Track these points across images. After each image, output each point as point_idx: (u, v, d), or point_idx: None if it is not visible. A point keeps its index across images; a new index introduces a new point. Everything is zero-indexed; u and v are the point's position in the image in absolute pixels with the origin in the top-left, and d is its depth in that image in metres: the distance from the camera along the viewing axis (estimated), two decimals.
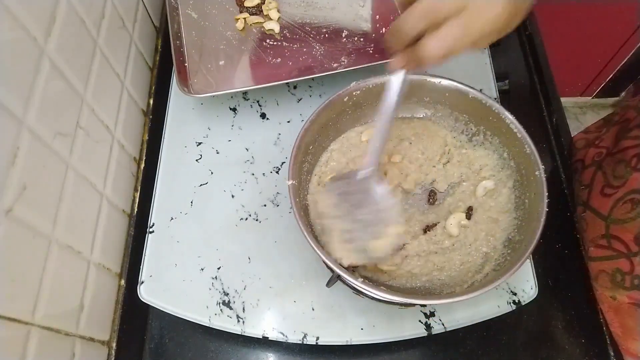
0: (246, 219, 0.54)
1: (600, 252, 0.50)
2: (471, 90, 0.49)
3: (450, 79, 0.49)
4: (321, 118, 0.49)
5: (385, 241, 0.41)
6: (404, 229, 0.45)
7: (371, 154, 0.42)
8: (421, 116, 0.55)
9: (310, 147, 0.50)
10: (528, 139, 0.45)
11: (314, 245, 0.41)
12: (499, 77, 0.64)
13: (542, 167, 0.44)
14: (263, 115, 0.61)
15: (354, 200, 0.43)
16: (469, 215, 0.49)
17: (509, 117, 0.47)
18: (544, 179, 0.44)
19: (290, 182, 0.44)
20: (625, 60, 1.30)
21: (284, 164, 0.58)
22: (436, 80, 0.50)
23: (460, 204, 0.51)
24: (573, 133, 0.66)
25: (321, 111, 0.48)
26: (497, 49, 0.68)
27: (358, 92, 0.50)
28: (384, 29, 0.64)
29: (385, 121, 0.41)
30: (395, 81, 0.39)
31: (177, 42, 0.61)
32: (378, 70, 0.50)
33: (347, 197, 0.43)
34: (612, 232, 0.48)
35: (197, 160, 0.58)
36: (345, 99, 0.50)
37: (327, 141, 0.53)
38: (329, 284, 0.48)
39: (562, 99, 0.66)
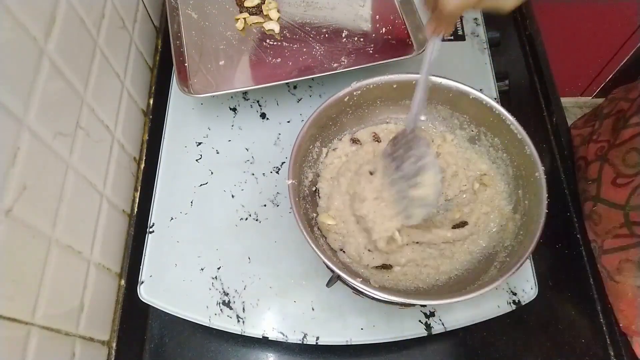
0: (246, 219, 0.54)
1: (620, 242, 0.50)
2: (472, 90, 0.49)
3: (451, 79, 0.49)
4: (321, 118, 0.49)
5: (426, 190, 0.43)
6: (441, 175, 0.46)
7: (410, 115, 0.44)
8: (422, 119, 0.55)
9: (310, 147, 0.50)
10: (528, 140, 0.45)
11: (313, 246, 0.41)
12: (499, 77, 0.64)
13: (542, 168, 0.44)
14: (263, 115, 0.61)
15: (397, 162, 0.45)
16: (462, 225, 0.49)
17: (509, 118, 0.47)
18: (544, 180, 0.44)
19: (290, 182, 0.44)
20: (625, 60, 1.30)
21: (284, 164, 0.58)
22: (437, 80, 0.50)
23: (460, 209, 0.51)
24: None
25: (321, 111, 0.48)
26: (497, 49, 0.68)
27: (358, 92, 0.50)
28: (384, 29, 0.64)
29: (423, 82, 0.42)
30: (430, 46, 0.41)
31: (177, 42, 0.61)
32: (378, 70, 0.50)
33: (391, 161, 0.45)
34: (634, 219, 0.48)
35: (197, 160, 0.58)
36: (345, 99, 0.50)
37: (327, 141, 0.53)
38: (329, 284, 0.48)
39: (562, 99, 0.66)
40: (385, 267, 0.47)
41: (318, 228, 0.50)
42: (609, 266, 0.52)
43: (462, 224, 0.49)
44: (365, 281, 0.40)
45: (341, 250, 0.49)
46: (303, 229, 0.41)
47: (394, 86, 0.51)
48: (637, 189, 0.48)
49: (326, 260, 0.40)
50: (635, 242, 0.48)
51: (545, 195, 0.43)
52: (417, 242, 0.48)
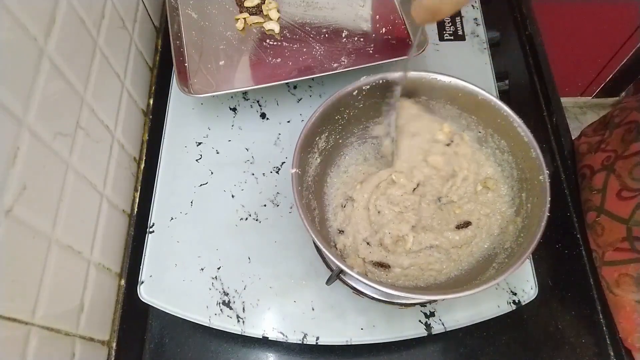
0: (246, 219, 0.54)
1: (620, 255, 0.50)
2: (481, 91, 0.48)
3: (460, 79, 0.49)
4: (329, 110, 0.48)
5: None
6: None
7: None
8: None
9: (317, 138, 0.50)
10: (534, 143, 0.45)
11: (314, 237, 0.40)
12: (499, 77, 0.64)
13: (546, 172, 0.44)
14: (263, 115, 0.61)
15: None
16: (465, 225, 0.49)
17: (516, 120, 0.47)
18: (548, 184, 0.43)
19: (294, 171, 0.44)
20: (625, 60, 1.30)
21: (284, 164, 0.58)
22: (446, 79, 0.49)
23: (462, 208, 0.51)
24: (573, 133, 0.66)
25: (329, 103, 0.48)
26: (497, 49, 0.68)
27: (367, 87, 0.49)
28: (384, 29, 0.64)
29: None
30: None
31: (177, 42, 0.61)
32: (378, 70, 0.50)
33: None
34: (636, 234, 0.48)
35: (197, 160, 0.58)
36: (354, 93, 0.50)
37: (335, 135, 0.53)
38: (329, 282, 0.48)
39: (562, 99, 0.66)
40: (383, 265, 0.47)
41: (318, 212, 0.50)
42: (608, 278, 0.52)
43: (466, 224, 0.49)
44: (363, 274, 0.40)
45: (340, 231, 0.49)
46: (304, 218, 0.41)
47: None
48: None
49: (328, 253, 0.40)
50: (635, 258, 0.48)
51: (548, 198, 0.42)
52: (427, 247, 0.48)
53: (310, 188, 0.49)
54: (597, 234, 0.54)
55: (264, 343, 0.52)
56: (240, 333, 0.49)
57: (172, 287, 0.51)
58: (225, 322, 0.49)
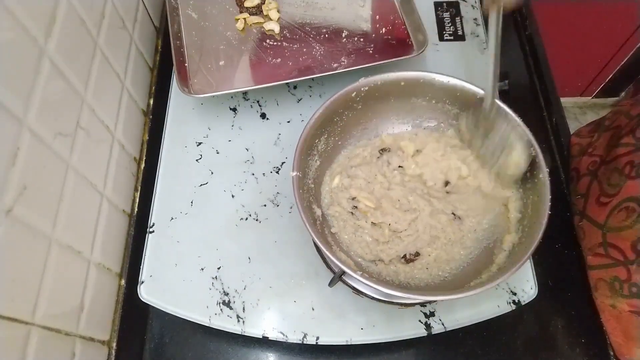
0: (246, 219, 0.54)
1: (598, 260, 0.50)
2: (480, 90, 0.48)
3: (458, 79, 0.49)
4: (328, 112, 0.49)
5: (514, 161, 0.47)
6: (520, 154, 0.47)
7: (487, 92, 0.47)
8: (432, 124, 0.55)
9: (317, 141, 0.50)
10: (533, 141, 0.45)
11: (315, 238, 0.40)
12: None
13: (546, 170, 0.44)
14: (263, 115, 0.61)
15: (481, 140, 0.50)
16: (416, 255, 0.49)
17: (516, 119, 0.47)
18: (548, 182, 0.43)
19: (294, 174, 0.44)
20: (625, 60, 1.30)
21: (284, 164, 0.58)
22: (444, 79, 0.49)
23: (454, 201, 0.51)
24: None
25: (328, 105, 0.48)
26: None
27: (366, 88, 0.49)
28: (384, 29, 0.64)
29: (495, 54, 0.46)
30: (493, 19, 0.45)
31: (177, 42, 0.61)
32: (378, 70, 0.50)
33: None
34: (609, 240, 0.48)
35: (197, 160, 0.58)
36: (353, 94, 0.49)
37: (334, 137, 0.53)
38: (332, 283, 0.48)
39: (562, 99, 0.66)
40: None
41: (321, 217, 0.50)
42: (590, 282, 0.52)
43: (417, 254, 0.48)
44: (366, 275, 0.40)
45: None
46: (306, 221, 0.41)
47: (402, 84, 0.50)
48: (614, 211, 0.48)
49: (331, 256, 0.40)
50: (609, 263, 0.48)
51: (548, 197, 0.43)
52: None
53: (311, 190, 0.50)
54: (580, 238, 0.55)
55: (264, 343, 0.52)
56: (240, 333, 0.49)
57: (172, 287, 0.51)
58: (225, 322, 0.49)
